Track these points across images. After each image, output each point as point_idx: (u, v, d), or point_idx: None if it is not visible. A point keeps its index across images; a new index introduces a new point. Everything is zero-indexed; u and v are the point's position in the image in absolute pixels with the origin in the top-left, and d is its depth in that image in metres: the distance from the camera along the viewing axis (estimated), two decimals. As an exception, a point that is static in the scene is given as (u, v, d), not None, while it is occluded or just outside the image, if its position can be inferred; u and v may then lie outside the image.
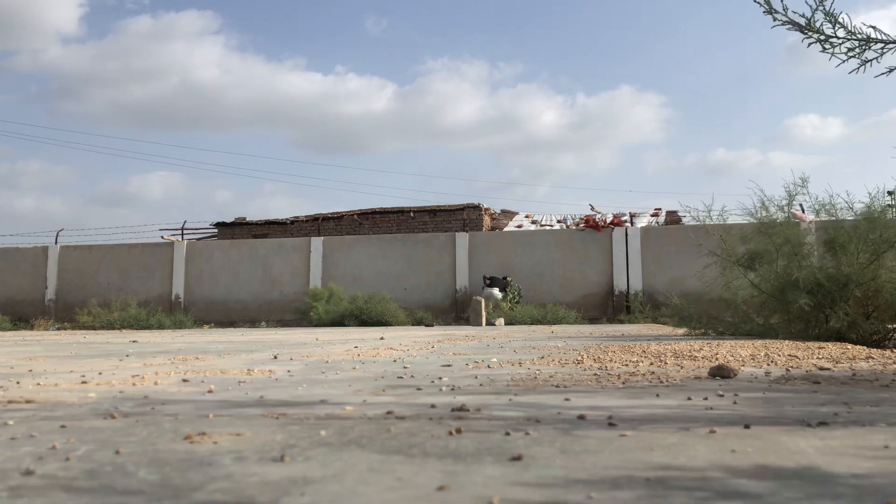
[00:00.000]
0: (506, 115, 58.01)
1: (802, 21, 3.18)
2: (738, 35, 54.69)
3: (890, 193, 6.45)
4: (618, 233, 17.79)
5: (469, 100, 61.37)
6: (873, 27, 3.13)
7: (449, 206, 22.07)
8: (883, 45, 3.09)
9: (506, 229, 21.69)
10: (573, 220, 22.76)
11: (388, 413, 1.86)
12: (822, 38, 3.15)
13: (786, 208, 6.73)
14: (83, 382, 2.76)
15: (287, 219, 23.23)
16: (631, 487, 1.08)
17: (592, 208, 23.03)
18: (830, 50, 3.15)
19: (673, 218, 21.66)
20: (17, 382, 2.81)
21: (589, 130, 60.35)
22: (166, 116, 59.90)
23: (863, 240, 6.15)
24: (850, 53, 3.12)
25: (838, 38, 3.15)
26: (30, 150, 66.98)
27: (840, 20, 3.12)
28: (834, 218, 6.51)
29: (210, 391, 2.44)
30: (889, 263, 6.06)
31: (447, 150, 59.29)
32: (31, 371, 3.39)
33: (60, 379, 2.93)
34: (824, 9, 3.13)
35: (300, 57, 62.40)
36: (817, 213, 6.64)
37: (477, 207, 21.92)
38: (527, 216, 23.82)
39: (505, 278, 17.30)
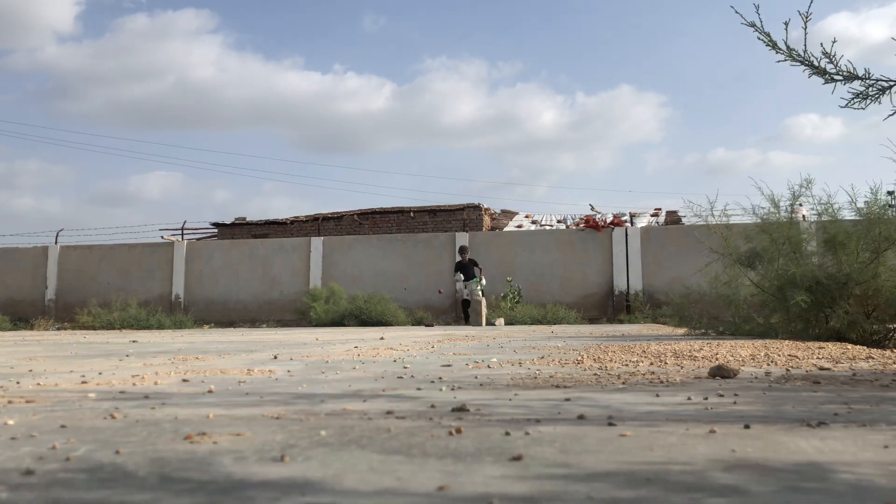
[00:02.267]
0: (505, 115, 58.08)
1: (802, 57, 3.36)
2: (738, 34, 54.70)
3: (890, 193, 6.44)
4: (618, 233, 17.79)
5: (468, 99, 61.43)
6: (867, 69, 3.32)
7: (449, 206, 22.07)
8: (881, 88, 3.23)
9: (506, 229, 21.69)
10: (573, 220, 22.77)
11: (388, 413, 1.86)
12: (824, 73, 3.32)
13: (789, 207, 6.76)
14: (83, 382, 2.76)
15: (287, 219, 23.24)
16: (631, 487, 1.08)
17: (592, 208, 23.04)
18: (832, 83, 3.30)
19: (673, 218, 21.66)
20: (17, 382, 2.81)
21: (588, 130, 60.43)
22: (164, 116, 59.96)
23: (863, 238, 6.15)
24: (856, 100, 3.29)
25: (840, 75, 3.31)
26: (28, 150, 67.07)
27: (838, 62, 3.31)
28: (833, 217, 6.52)
29: (210, 391, 2.44)
30: (889, 262, 6.07)
31: (446, 150, 59.37)
32: (31, 371, 3.39)
33: (60, 379, 2.93)
34: (826, 51, 3.29)
35: (298, 56, 62.48)
36: (820, 214, 6.64)
37: (477, 207, 21.92)
38: (527, 216, 23.82)
39: (474, 262, 16.00)
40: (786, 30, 3.36)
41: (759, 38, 3.42)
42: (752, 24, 3.43)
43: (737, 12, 3.44)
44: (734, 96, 58.14)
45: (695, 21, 57.24)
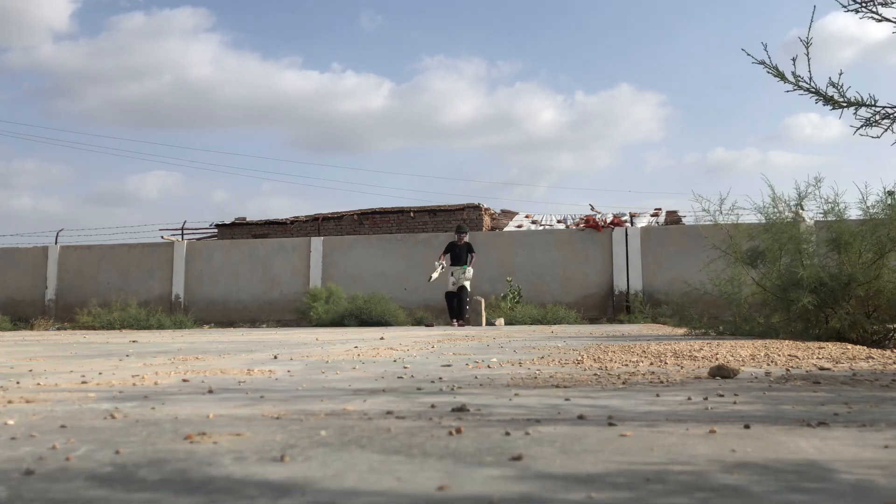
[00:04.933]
0: (504, 114, 58.10)
1: (809, 85, 3.56)
2: (738, 33, 54.67)
3: (890, 193, 6.45)
4: (618, 233, 17.79)
5: (467, 98, 61.46)
6: (871, 95, 3.48)
7: (449, 206, 22.08)
8: (886, 115, 3.39)
9: (506, 229, 21.69)
10: (573, 220, 22.77)
11: (388, 413, 1.86)
12: (831, 101, 3.51)
13: (795, 207, 6.78)
14: (83, 382, 2.76)
15: (287, 219, 23.25)
16: (631, 487, 1.08)
17: (592, 208, 23.05)
18: (839, 109, 3.50)
19: (673, 218, 21.67)
20: (17, 382, 2.81)
21: (588, 129, 60.46)
22: (162, 115, 59.97)
23: (867, 238, 6.16)
24: (866, 126, 3.50)
25: (847, 102, 3.48)
26: (25, 149, 67.14)
27: (845, 92, 3.49)
28: (839, 217, 6.52)
29: (210, 391, 2.44)
30: (891, 263, 6.07)
31: (445, 149, 59.40)
32: (31, 371, 3.39)
33: (60, 379, 2.93)
34: (833, 82, 3.50)
35: (296, 55, 62.47)
36: (826, 213, 6.65)
37: (477, 207, 21.93)
38: (527, 216, 23.83)
39: (469, 246, 14.09)
40: (794, 64, 3.58)
41: (767, 73, 3.65)
42: (763, 62, 3.72)
43: (748, 55, 3.75)
44: (734, 96, 58.19)
45: (695, 21, 57.29)
